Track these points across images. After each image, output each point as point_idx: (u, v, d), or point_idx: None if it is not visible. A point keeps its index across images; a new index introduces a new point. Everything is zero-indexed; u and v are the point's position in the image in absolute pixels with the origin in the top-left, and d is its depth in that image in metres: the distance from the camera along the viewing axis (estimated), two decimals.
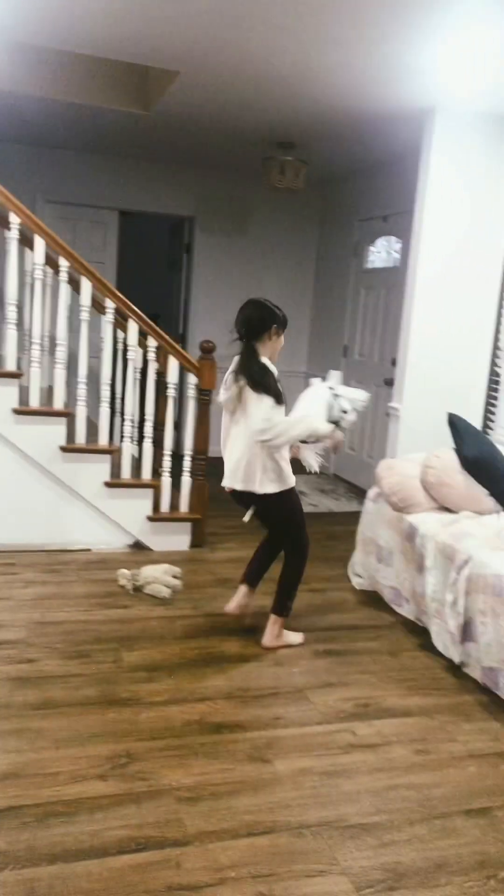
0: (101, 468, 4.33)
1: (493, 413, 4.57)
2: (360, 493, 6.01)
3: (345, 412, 3.24)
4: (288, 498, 3.20)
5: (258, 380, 3.03)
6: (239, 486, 3.15)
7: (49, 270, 4.29)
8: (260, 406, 3.01)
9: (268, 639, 3.31)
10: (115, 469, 4.41)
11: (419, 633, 3.50)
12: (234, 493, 3.23)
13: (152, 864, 1.97)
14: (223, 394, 3.19)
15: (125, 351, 4.51)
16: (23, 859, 1.96)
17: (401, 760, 2.53)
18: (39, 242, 4.11)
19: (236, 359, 3.15)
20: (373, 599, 3.90)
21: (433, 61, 3.58)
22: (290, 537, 3.31)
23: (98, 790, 2.25)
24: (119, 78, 4.78)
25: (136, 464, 4.52)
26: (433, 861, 2.06)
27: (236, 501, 3.28)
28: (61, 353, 4.24)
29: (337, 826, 2.18)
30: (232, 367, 3.15)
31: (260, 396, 3.01)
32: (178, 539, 4.53)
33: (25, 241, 4.23)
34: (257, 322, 3.12)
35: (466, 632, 3.12)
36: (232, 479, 3.17)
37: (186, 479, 4.52)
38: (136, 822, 2.12)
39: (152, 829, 2.11)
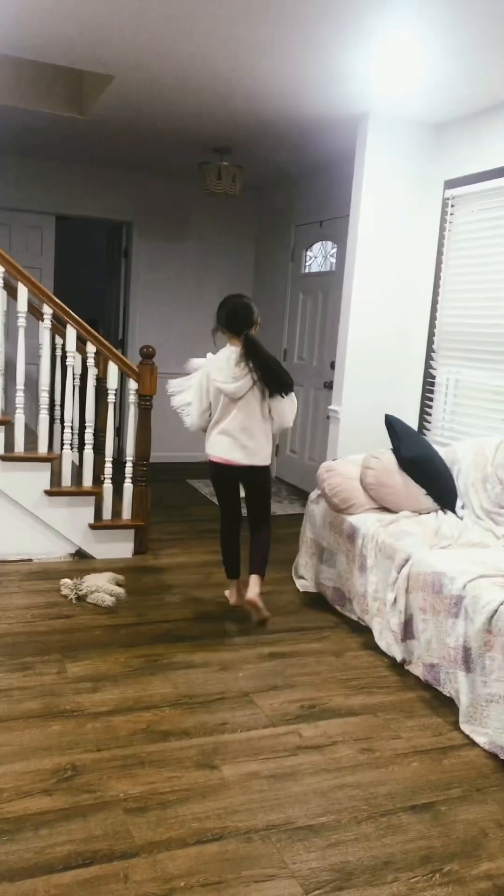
0: (40, 476, 4.26)
1: (428, 414, 4.67)
2: (302, 496, 6.06)
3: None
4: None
5: (287, 381, 3.40)
6: (254, 462, 3.50)
7: None
8: (293, 402, 3.48)
9: (254, 594, 3.52)
10: (56, 477, 4.34)
11: (362, 633, 3.55)
12: (230, 473, 3.54)
13: (99, 878, 1.95)
14: (231, 383, 3.36)
15: (64, 357, 4.45)
16: None
17: (347, 760, 2.56)
18: None
19: (237, 350, 3.38)
20: (317, 601, 3.94)
21: (365, 67, 3.65)
22: (268, 506, 3.70)
23: (43, 805, 2.22)
24: (53, 81, 4.72)
25: (77, 471, 4.47)
26: (380, 859, 2.09)
27: (226, 483, 3.63)
28: None
29: (285, 829, 2.19)
30: (234, 357, 3.37)
31: (290, 395, 3.46)
32: (120, 546, 4.49)
33: None
34: (252, 314, 3.42)
35: (407, 629, 3.18)
36: (251, 457, 3.48)
37: (128, 486, 4.48)
38: (82, 836, 2.10)
39: (99, 842, 2.08)
